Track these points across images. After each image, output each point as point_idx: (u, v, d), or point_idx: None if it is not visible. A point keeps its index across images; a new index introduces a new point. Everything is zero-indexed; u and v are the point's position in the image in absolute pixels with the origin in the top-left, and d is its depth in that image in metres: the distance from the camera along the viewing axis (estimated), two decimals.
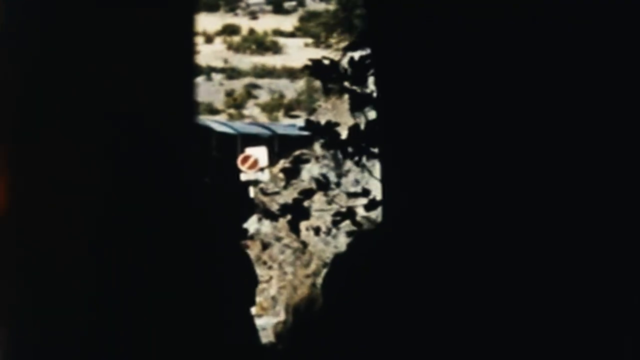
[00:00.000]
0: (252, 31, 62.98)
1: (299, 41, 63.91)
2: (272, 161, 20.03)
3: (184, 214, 0.68)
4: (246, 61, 56.44)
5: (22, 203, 0.63)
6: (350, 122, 7.16)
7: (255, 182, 18.14)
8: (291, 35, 65.01)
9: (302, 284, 8.35)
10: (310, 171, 10.20)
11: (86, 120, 0.63)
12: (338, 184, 8.23)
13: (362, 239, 7.04)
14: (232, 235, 5.14)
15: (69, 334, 0.65)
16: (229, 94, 49.29)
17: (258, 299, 10.71)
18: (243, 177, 17.92)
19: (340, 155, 8.63)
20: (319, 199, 9.37)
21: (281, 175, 11.27)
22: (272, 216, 12.06)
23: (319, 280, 7.87)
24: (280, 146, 22.67)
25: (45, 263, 0.65)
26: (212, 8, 58.05)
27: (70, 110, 0.65)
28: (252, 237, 13.02)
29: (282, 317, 9.84)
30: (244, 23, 63.29)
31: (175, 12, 0.66)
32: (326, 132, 4.73)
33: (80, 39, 0.64)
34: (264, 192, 11.36)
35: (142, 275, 0.66)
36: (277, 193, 11.10)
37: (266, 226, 11.30)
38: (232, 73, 53.69)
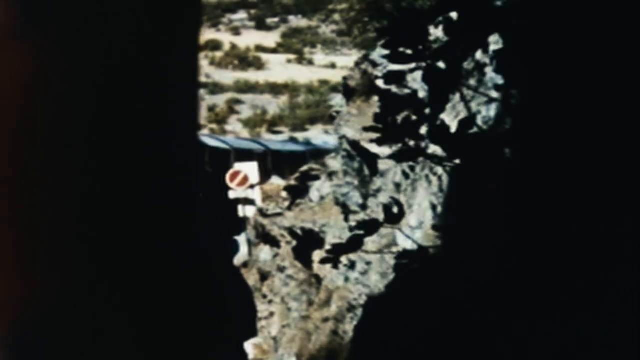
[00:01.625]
0: (234, 47, 62.61)
1: (282, 57, 63.49)
2: (265, 178, 18.32)
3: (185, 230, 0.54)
4: (228, 76, 55.55)
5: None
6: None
7: (245, 200, 16.41)
8: (274, 51, 64.78)
9: (319, 329, 6.64)
10: (320, 190, 8.48)
11: (82, 119, 0.50)
12: (364, 207, 6.54)
13: (412, 278, 5.47)
14: (225, 257, 4.51)
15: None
16: (211, 109, 47.83)
17: (257, 340, 8.97)
18: (232, 194, 16.13)
19: (367, 171, 6.92)
20: (336, 222, 7.64)
21: (284, 194, 9.52)
22: (273, 242, 10.26)
23: (344, 327, 6.16)
24: (273, 162, 21.13)
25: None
26: None
27: (65, 109, 0.50)
28: (245, 265, 11.27)
29: None
30: (226, 39, 62.69)
31: (181, 22, 0.53)
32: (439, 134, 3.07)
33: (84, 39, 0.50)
34: (263, 213, 9.61)
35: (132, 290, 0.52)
36: (279, 215, 9.37)
37: (266, 253, 9.55)
38: (214, 88, 52.55)
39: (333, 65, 65.09)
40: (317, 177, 8.66)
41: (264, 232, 9.61)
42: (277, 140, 31.99)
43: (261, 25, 71.08)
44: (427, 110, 6.04)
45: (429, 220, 5.47)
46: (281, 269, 8.94)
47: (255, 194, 16.35)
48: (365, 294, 5.77)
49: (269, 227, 9.42)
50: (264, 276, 9.56)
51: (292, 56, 63.60)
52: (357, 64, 7.24)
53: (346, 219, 7.07)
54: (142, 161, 0.50)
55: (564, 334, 3.05)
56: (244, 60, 60.26)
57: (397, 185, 6.11)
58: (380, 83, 6.35)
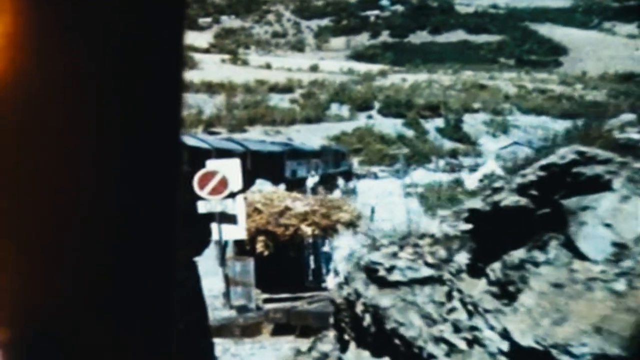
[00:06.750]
0: None
1: (215, 57, 59.01)
2: (247, 183, 12.68)
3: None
4: None
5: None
6: None
7: (222, 216, 10.59)
8: (206, 51, 60.58)
9: None
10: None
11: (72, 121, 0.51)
12: None
13: None
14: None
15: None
16: None
17: None
18: (202, 207, 10.30)
19: None
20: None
21: (452, 231, 3.96)
22: (365, 343, 3.89)
23: None
24: (252, 164, 15.55)
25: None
26: None
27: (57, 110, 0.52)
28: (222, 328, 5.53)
29: None
30: None
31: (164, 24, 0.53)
32: None
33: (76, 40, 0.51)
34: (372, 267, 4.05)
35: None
36: (390, 270, 3.90)
37: None
38: None
39: (268, 66, 60.17)
40: (498, 189, 3.23)
41: (350, 321, 4.09)
42: (256, 140, 26.52)
43: (193, 25, 66.14)
44: None
45: None
46: None
47: (237, 207, 10.55)
48: None
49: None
50: None
51: (226, 56, 58.81)
52: None
53: None
54: (127, 162, 0.50)
55: None
56: None
57: None
58: None
